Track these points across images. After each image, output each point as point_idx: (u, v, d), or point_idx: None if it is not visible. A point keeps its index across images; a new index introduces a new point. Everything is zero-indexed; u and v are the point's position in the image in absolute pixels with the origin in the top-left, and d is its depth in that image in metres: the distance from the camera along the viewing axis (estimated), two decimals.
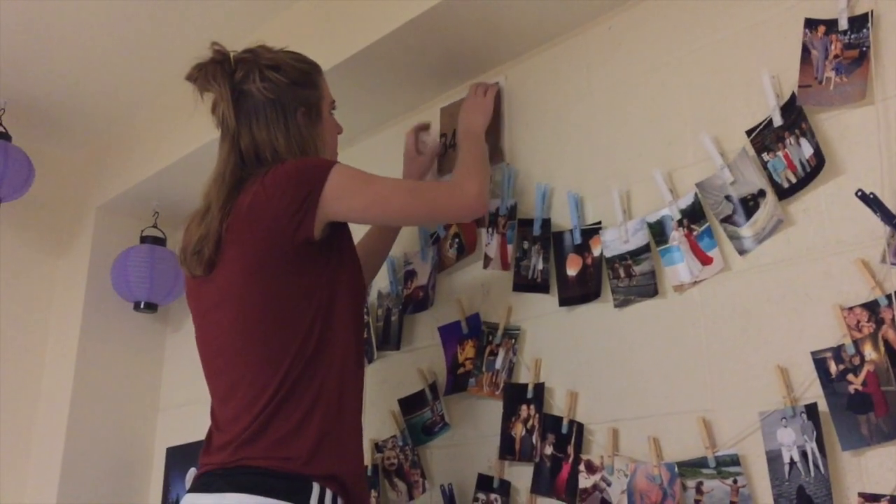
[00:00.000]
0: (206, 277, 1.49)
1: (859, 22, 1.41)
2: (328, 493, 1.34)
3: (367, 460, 2.01)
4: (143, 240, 2.79)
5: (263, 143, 1.52)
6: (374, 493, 1.97)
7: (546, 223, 1.82)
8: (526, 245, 1.84)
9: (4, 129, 2.63)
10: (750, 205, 1.51)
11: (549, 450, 1.68)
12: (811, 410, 1.34)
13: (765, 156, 1.50)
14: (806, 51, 1.46)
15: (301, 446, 1.35)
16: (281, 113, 1.54)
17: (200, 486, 1.40)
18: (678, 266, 1.59)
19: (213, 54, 1.55)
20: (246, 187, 1.48)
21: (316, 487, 1.32)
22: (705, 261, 1.56)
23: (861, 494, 1.27)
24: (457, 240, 1.97)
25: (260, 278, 1.42)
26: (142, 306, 2.74)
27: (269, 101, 1.53)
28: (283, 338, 1.40)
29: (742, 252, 1.51)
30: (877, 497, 1.25)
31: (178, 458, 2.71)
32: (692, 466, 1.46)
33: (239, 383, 1.42)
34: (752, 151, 1.52)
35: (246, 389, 1.40)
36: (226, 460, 1.37)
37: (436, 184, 1.76)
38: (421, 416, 1.95)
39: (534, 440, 1.70)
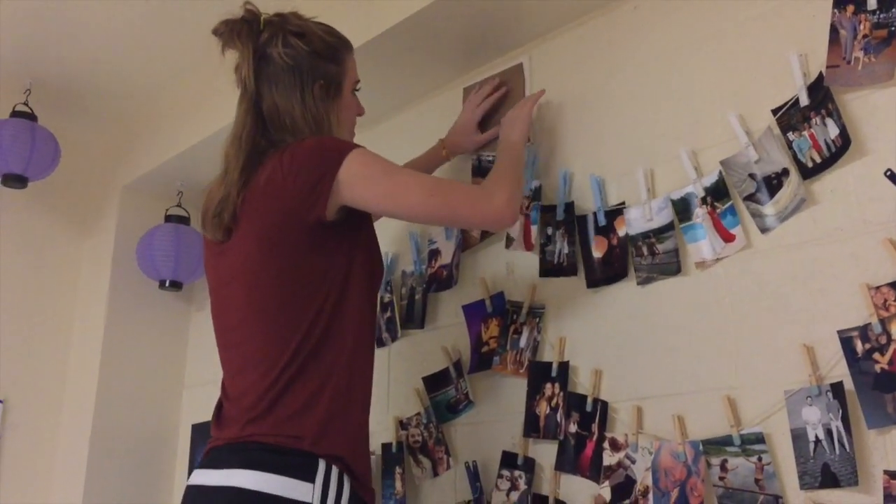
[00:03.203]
0: (221, 249, 1.49)
1: (888, 1, 1.41)
2: (334, 471, 1.34)
3: (392, 437, 2.04)
4: (168, 219, 2.82)
5: (283, 109, 1.50)
6: (398, 470, 2.00)
7: (569, 207, 1.83)
8: (550, 230, 1.85)
9: (31, 109, 2.65)
10: (773, 183, 1.51)
11: (573, 428, 1.70)
12: (837, 389, 1.35)
13: (790, 135, 1.50)
14: (834, 31, 1.46)
15: (309, 425, 1.35)
16: (298, 82, 1.51)
17: (209, 461, 1.41)
18: (701, 243, 1.59)
19: (244, 13, 1.53)
20: (266, 159, 1.47)
21: (322, 465, 1.33)
22: (728, 238, 1.56)
23: (886, 472, 1.28)
24: None
25: (272, 256, 1.42)
26: (167, 285, 2.77)
27: (289, 67, 1.51)
28: (295, 316, 1.40)
29: (764, 230, 1.51)
30: None
31: (203, 434, 2.75)
32: (717, 444, 1.47)
33: (250, 359, 1.42)
34: (777, 130, 1.52)
35: (256, 365, 1.40)
36: (234, 436, 1.38)
37: (462, 186, 1.60)
38: (445, 394, 1.97)
39: (558, 418, 1.72)
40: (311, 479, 1.31)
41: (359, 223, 1.51)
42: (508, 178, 1.59)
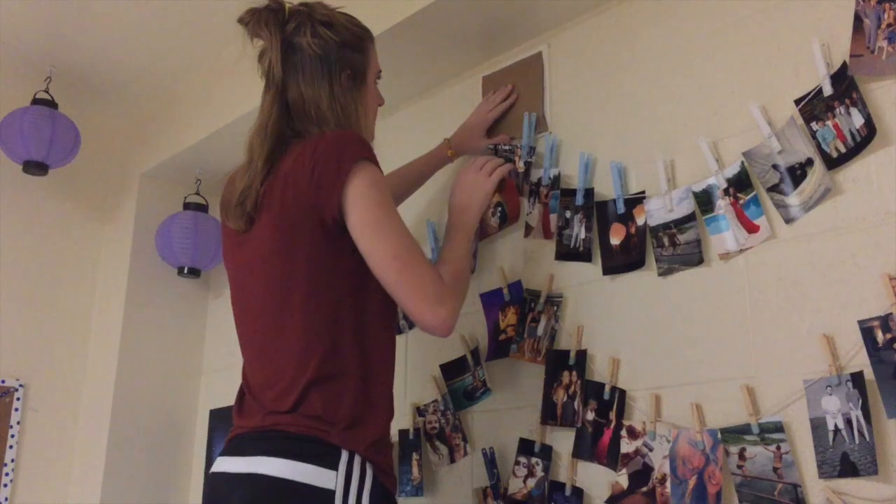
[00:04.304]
0: (242, 240, 1.50)
1: None
2: (357, 459, 1.35)
3: (409, 424, 2.06)
4: (186, 206, 2.84)
5: (309, 99, 1.50)
6: (415, 456, 2.02)
7: (589, 192, 1.83)
8: (568, 214, 1.85)
9: (51, 97, 2.67)
10: (797, 174, 1.51)
11: (590, 415, 1.71)
12: (857, 378, 1.35)
13: (814, 125, 1.49)
14: (858, 20, 1.45)
15: (333, 416, 1.36)
16: (327, 71, 1.51)
17: (232, 449, 1.42)
18: (724, 234, 1.59)
19: (269, 2, 1.53)
20: (289, 150, 1.47)
21: (345, 454, 1.34)
22: (751, 229, 1.56)
23: None
24: (500, 208, 1.98)
25: (290, 248, 1.42)
26: (185, 271, 2.79)
27: (318, 56, 1.50)
28: (315, 310, 1.40)
29: (789, 220, 1.51)
30: None
31: (221, 419, 2.78)
32: (735, 433, 1.48)
33: (270, 350, 1.43)
34: (800, 120, 1.51)
35: (277, 357, 1.41)
36: (257, 425, 1.39)
37: (427, 273, 1.41)
38: (462, 382, 1.98)
39: (576, 406, 1.73)
40: (335, 467, 1.32)
41: None
42: (461, 281, 1.52)
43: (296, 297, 1.41)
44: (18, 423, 2.72)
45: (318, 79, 1.51)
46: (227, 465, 1.40)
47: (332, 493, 1.30)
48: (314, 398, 1.36)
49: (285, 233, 1.42)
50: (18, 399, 2.75)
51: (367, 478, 1.35)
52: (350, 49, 1.55)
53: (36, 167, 2.59)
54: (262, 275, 1.46)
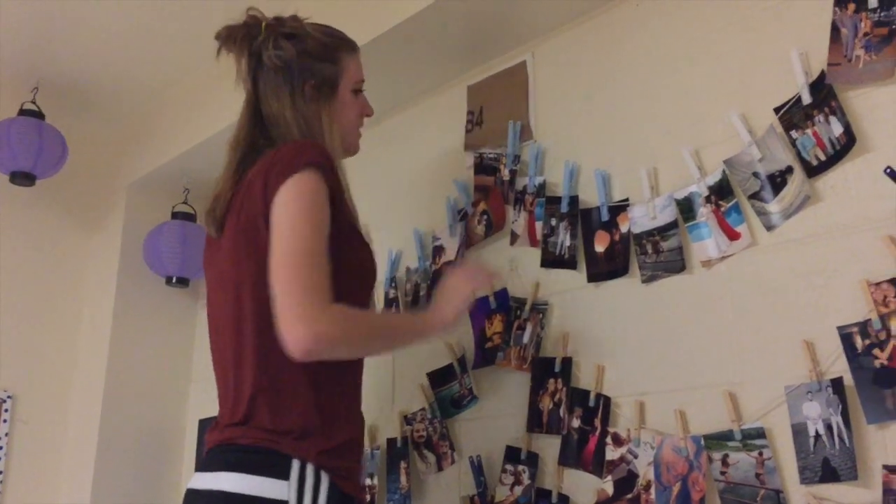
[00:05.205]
0: (216, 246, 1.50)
1: (889, 0, 1.42)
2: (309, 467, 1.33)
3: (397, 432, 2.06)
4: (174, 216, 2.84)
5: (276, 110, 1.50)
6: (403, 465, 2.02)
7: (574, 200, 1.84)
8: (554, 222, 1.86)
9: (38, 107, 2.67)
10: (777, 181, 1.52)
11: (576, 423, 1.71)
12: (837, 384, 1.36)
13: (793, 133, 1.51)
14: (835, 29, 1.47)
15: (283, 426, 1.35)
16: (287, 83, 1.51)
17: (201, 464, 1.43)
18: (706, 242, 1.61)
19: (247, 18, 1.54)
20: (260, 158, 1.46)
21: (296, 463, 1.32)
22: (733, 236, 1.58)
23: (886, 467, 1.30)
24: (485, 216, 2.00)
25: (246, 258, 1.41)
26: (174, 281, 2.80)
27: (278, 69, 1.51)
28: (268, 318, 1.33)
29: (770, 228, 1.53)
30: None
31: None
32: (718, 439, 1.49)
33: (232, 362, 1.42)
34: (780, 129, 1.53)
35: (232, 366, 1.41)
36: (218, 438, 1.40)
37: (311, 289, 1.29)
38: (449, 390, 1.99)
39: (561, 413, 1.74)
40: (286, 477, 1.31)
41: (336, 232, 1.44)
42: (374, 337, 1.41)
43: (249, 304, 1.40)
44: (7, 434, 2.72)
45: (281, 90, 1.51)
46: (195, 481, 1.41)
47: (285, 503, 1.30)
48: (263, 409, 1.35)
49: (240, 240, 1.42)
50: (6, 410, 2.74)
51: (323, 484, 1.33)
52: (315, 59, 1.54)
53: (23, 178, 2.59)
54: (222, 284, 1.47)
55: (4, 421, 2.72)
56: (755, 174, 1.55)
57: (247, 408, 1.37)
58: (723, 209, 1.59)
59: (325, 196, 1.39)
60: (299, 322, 1.24)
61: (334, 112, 1.56)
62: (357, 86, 1.62)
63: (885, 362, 1.32)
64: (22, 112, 2.64)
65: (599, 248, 1.78)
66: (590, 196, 1.83)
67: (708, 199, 1.62)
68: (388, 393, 2.14)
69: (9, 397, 2.75)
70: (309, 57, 1.53)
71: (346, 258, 1.44)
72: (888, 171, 1.36)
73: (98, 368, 2.79)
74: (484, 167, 2.03)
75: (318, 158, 1.41)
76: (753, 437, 1.45)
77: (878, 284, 1.36)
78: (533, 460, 1.77)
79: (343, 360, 1.43)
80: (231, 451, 1.37)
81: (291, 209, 1.36)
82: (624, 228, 1.74)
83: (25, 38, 2.53)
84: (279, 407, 1.36)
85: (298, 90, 1.52)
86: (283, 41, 1.52)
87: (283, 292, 1.27)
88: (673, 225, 1.66)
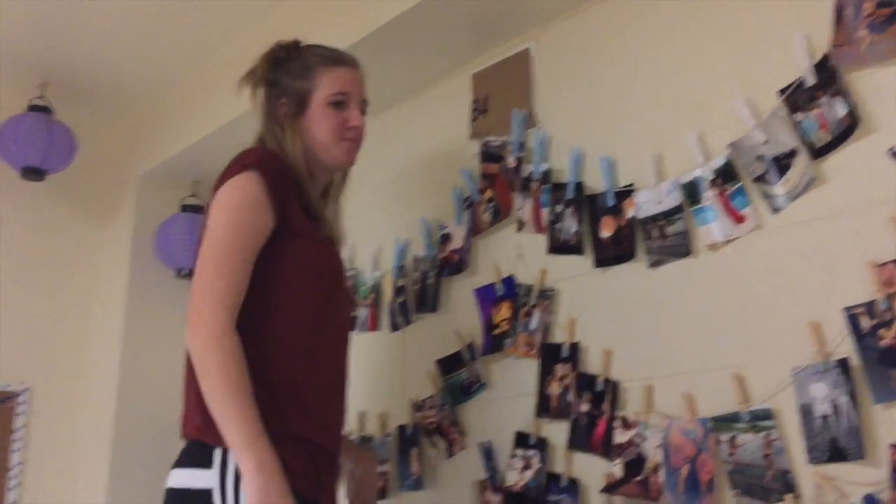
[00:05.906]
0: None
1: None
2: (231, 454, 1.35)
3: (407, 419, 2.08)
4: (184, 208, 2.86)
5: (261, 132, 1.62)
6: (414, 451, 2.04)
7: (579, 186, 1.85)
8: (559, 208, 1.87)
9: (47, 103, 2.69)
10: (782, 164, 1.53)
11: (584, 407, 1.73)
12: (843, 365, 1.37)
13: (798, 116, 1.51)
14: (839, 10, 1.46)
15: (205, 417, 1.37)
16: (269, 103, 1.63)
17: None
18: (711, 225, 1.61)
19: (267, 52, 1.65)
20: None
21: (218, 451, 1.37)
22: (738, 219, 1.58)
23: (893, 446, 1.30)
24: (492, 204, 2.00)
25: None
26: (184, 273, 2.82)
27: (265, 94, 1.63)
28: None
29: (775, 210, 1.53)
30: None
31: None
32: (726, 421, 1.50)
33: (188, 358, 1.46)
34: (784, 111, 1.53)
35: (187, 365, 1.46)
36: (180, 434, 1.48)
37: (210, 297, 1.39)
38: (458, 376, 2.00)
39: (569, 398, 1.75)
40: (209, 465, 1.37)
41: (282, 232, 1.48)
42: (225, 391, 1.35)
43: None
44: (23, 426, 2.75)
45: (264, 112, 1.63)
46: (170, 475, 1.46)
47: (209, 491, 1.35)
48: (200, 403, 1.38)
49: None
50: (23, 402, 2.78)
51: None
52: (292, 78, 1.62)
53: (33, 173, 2.62)
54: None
55: (21, 413, 2.76)
56: (760, 157, 1.55)
57: (187, 402, 1.45)
58: (728, 193, 1.60)
59: (257, 196, 1.46)
60: (189, 325, 1.39)
61: (300, 127, 1.60)
62: (335, 98, 1.60)
63: (892, 342, 1.32)
64: (31, 108, 2.67)
65: (605, 233, 1.79)
66: (595, 182, 1.83)
67: (713, 183, 1.62)
68: (398, 381, 2.16)
69: (25, 390, 2.78)
70: (287, 76, 1.62)
71: (294, 256, 1.49)
72: (893, 151, 1.36)
73: (112, 360, 2.82)
74: (490, 155, 2.04)
75: (256, 160, 1.49)
76: (761, 419, 1.46)
77: (883, 265, 1.36)
78: (542, 445, 1.79)
79: (298, 359, 1.47)
80: (182, 448, 1.45)
81: (214, 217, 1.47)
82: (630, 214, 1.74)
83: (33, 33, 2.55)
84: (200, 401, 1.39)
85: (273, 109, 1.62)
86: (274, 66, 1.63)
87: (194, 295, 1.41)
88: (678, 209, 1.66)
